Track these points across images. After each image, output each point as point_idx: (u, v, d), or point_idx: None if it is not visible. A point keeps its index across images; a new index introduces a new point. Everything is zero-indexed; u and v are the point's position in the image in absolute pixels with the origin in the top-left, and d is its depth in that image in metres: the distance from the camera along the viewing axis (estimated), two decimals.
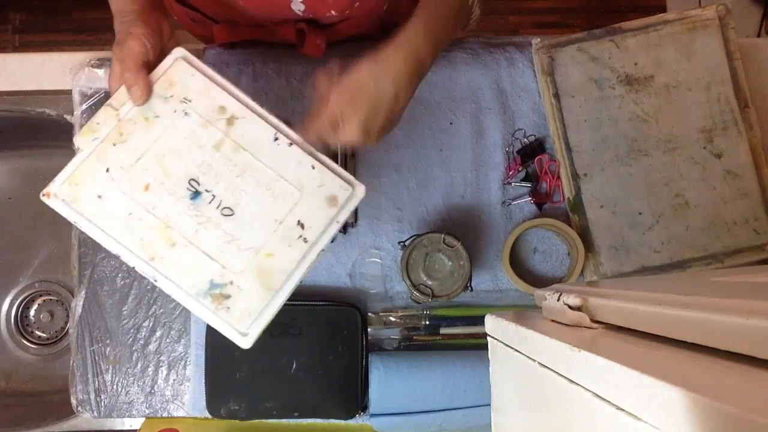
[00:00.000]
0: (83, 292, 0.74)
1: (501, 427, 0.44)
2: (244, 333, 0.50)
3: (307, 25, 0.66)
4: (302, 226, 0.52)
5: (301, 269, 0.51)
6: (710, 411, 0.19)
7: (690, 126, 0.71)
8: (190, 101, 0.52)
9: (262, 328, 0.50)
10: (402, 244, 0.67)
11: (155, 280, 0.50)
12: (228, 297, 0.50)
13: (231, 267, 0.50)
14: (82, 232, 0.75)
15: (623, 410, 0.24)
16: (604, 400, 0.25)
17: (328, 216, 0.52)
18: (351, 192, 0.53)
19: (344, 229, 0.72)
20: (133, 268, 0.50)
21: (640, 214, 0.70)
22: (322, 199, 0.53)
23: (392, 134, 0.73)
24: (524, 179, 0.73)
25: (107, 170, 0.50)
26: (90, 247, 0.74)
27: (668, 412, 0.21)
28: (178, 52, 0.52)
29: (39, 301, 0.97)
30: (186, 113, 0.51)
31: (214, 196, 0.51)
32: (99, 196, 0.50)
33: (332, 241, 0.72)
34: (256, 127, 0.52)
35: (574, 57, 0.72)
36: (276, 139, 0.52)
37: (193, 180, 0.51)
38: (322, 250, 0.52)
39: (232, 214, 0.51)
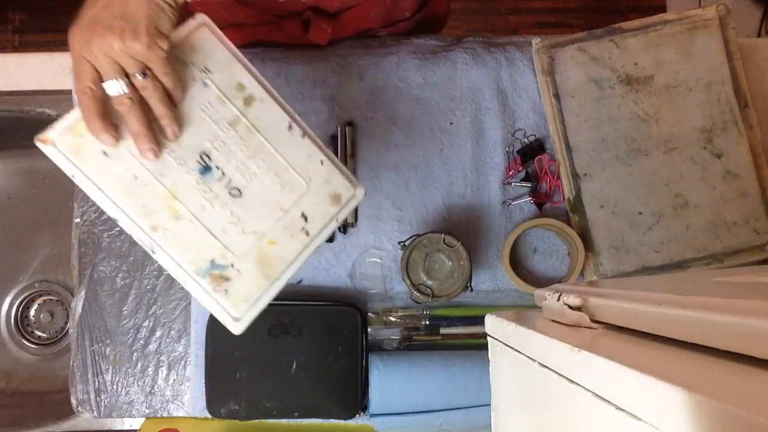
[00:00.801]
0: (83, 292, 0.74)
1: (501, 427, 0.44)
2: (237, 318, 0.49)
3: (313, 13, 0.67)
4: (306, 219, 0.52)
5: (299, 261, 0.51)
6: (710, 411, 0.19)
7: (690, 126, 0.71)
8: (210, 72, 0.49)
9: (255, 316, 0.49)
10: (402, 244, 0.67)
11: (153, 252, 0.48)
12: (227, 280, 0.49)
13: (233, 249, 0.49)
14: (83, 232, 0.75)
15: (623, 410, 0.24)
16: (604, 400, 0.25)
17: (330, 213, 0.53)
18: (353, 192, 0.54)
19: (344, 229, 0.72)
20: (130, 235, 0.47)
21: (640, 214, 0.70)
22: (326, 195, 0.53)
23: (392, 134, 0.74)
24: (524, 179, 0.73)
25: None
26: (90, 247, 0.74)
27: (668, 412, 0.21)
28: (202, 18, 0.50)
29: (39, 301, 0.97)
30: (205, 84, 0.49)
31: (224, 174, 0.49)
32: (104, 153, 0.46)
33: (330, 241, 0.72)
34: (273, 111, 0.51)
35: (574, 57, 0.72)
36: (290, 127, 0.52)
37: (205, 154, 0.49)
38: (318, 246, 0.52)
39: (239, 196, 0.50)
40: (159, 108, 0.45)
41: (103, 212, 0.78)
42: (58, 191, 0.95)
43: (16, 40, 1.73)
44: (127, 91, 0.43)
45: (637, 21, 0.72)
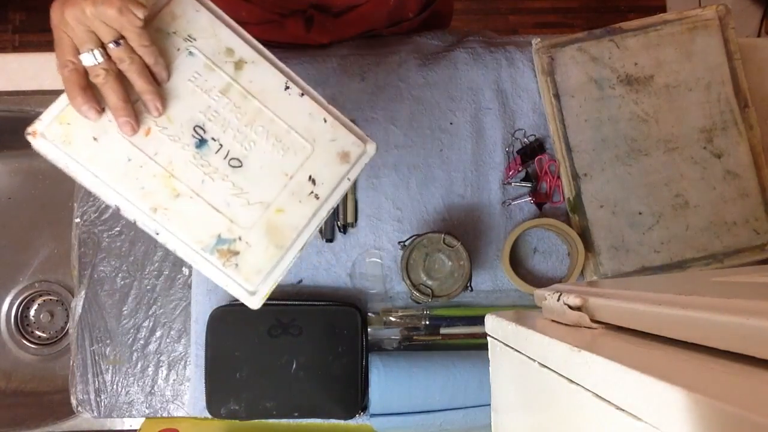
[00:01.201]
0: (83, 292, 0.74)
1: (501, 427, 0.44)
2: (253, 292, 0.48)
3: (316, 12, 0.67)
4: (314, 182, 0.50)
5: (311, 226, 0.49)
6: (710, 411, 0.19)
7: (690, 126, 0.71)
8: (194, 40, 0.47)
9: (272, 288, 0.48)
10: (402, 244, 0.67)
11: (156, 234, 0.46)
12: (236, 253, 0.47)
13: (239, 222, 0.48)
14: (83, 232, 0.75)
15: (623, 410, 0.24)
16: (604, 400, 0.25)
17: (340, 173, 0.50)
18: (363, 149, 0.51)
19: (344, 229, 0.72)
20: (134, 222, 0.46)
21: (640, 214, 0.70)
22: (333, 154, 0.50)
23: (392, 134, 0.74)
24: (524, 179, 0.73)
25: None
26: (90, 247, 0.74)
27: (668, 412, 0.21)
28: None
29: (39, 301, 0.97)
30: (190, 53, 0.47)
31: (221, 145, 0.47)
32: (94, 139, 0.45)
33: (330, 241, 0.72)
34: (266, 73, 0.49)
35: (574, 57, 0.72)
36: (287, 87, 0.50)
37: (199, 127, 0.47)
38: (332, 209, 0.50)
39: (240, 166, 0.48)
40: (138, 82, 0.44)
41: (103, 212, 0.78)
42: (58, 191, 0.95)
43: (16, 40, 1.73)
44: (101, 61, 0.42)
45: (637, 21, 0.72)
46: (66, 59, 0.42)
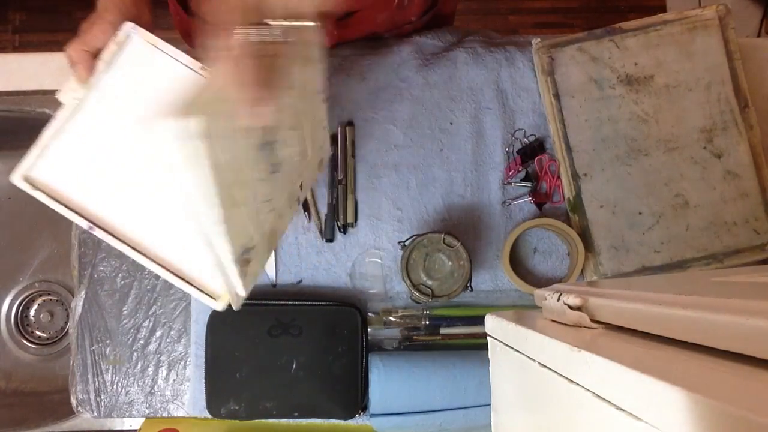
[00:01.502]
0: (83, 292, 0.74)
1: (501, 427, 0.44)
2: (241, 295, 0.45)
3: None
4: (301, 187, 0.48)
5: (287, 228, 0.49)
6: (710, 411, 0.19)
7: (690, 126, 0.71)
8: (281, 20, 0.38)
9: (248, 289, 0.45)
10: (402, 244, 0.67)
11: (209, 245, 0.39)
12: (249, 262, 0.43)
13: (259, 229, 0.43)
14: (83, 232, 0.75)
15: (623, 410, 0.24)
16: (604, 400, 0.25)
17: (314, 178, 0.50)
18: (329, 156, 0.51)
19: (344, 229, 0.72)
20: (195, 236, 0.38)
21: (640, 214, 0.70)
22: (317, 160, 0.49)
23: (392, 134, 0.74)
24: (524, 179, 0.73)
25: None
26: (90, 247, 0.74)
27: (668, 412, 0.21)
28: None
29: (39, 301, 0.97)
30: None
31: (273, 148, 0.41)
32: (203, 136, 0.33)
33: (330, 241, 0.72)
34: (317, 74, 0.45)
35: (574, 57, 0.72)
36: (320, 91, 0.46)
37: (267, 127, 0.39)
38: (295, 211, 0.49)
39: (275, 172, 0.43)
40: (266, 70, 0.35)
41: None
42: None
43: (16, 40, 1.73)
44: (270, 39, 0.34)
45: (637, 21, 0.72)
46: (237, 31, 0.33)
